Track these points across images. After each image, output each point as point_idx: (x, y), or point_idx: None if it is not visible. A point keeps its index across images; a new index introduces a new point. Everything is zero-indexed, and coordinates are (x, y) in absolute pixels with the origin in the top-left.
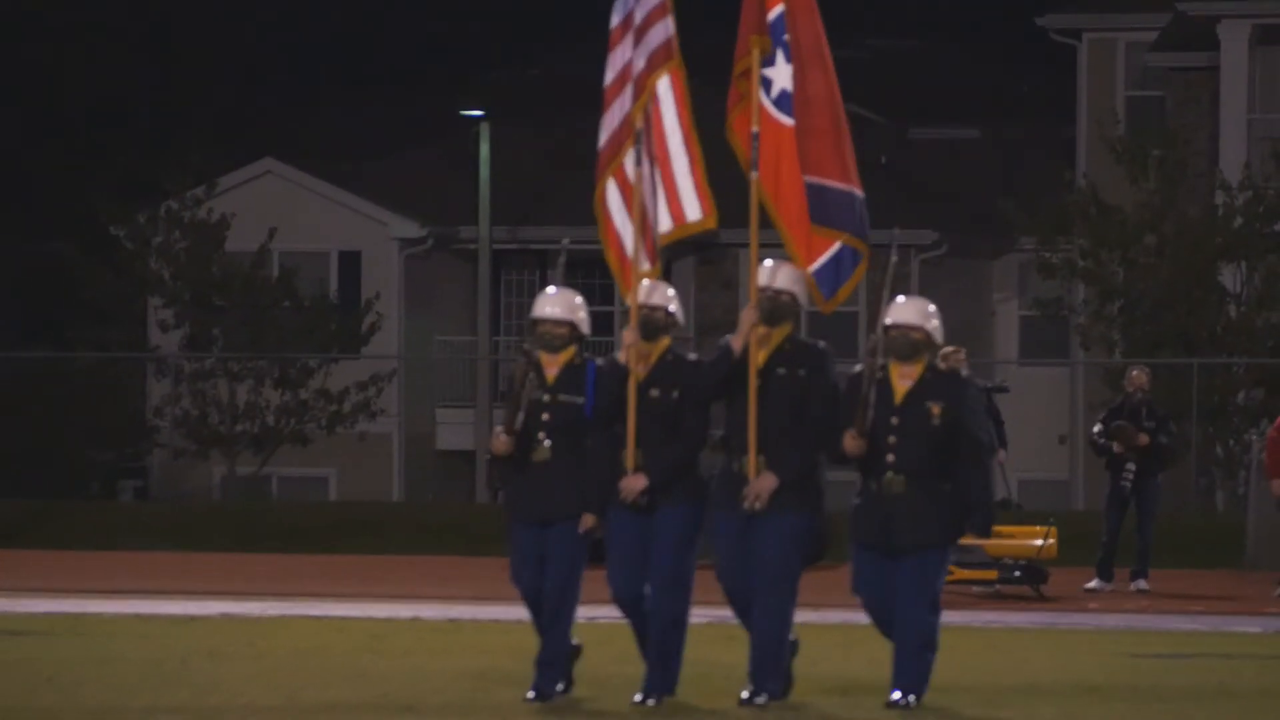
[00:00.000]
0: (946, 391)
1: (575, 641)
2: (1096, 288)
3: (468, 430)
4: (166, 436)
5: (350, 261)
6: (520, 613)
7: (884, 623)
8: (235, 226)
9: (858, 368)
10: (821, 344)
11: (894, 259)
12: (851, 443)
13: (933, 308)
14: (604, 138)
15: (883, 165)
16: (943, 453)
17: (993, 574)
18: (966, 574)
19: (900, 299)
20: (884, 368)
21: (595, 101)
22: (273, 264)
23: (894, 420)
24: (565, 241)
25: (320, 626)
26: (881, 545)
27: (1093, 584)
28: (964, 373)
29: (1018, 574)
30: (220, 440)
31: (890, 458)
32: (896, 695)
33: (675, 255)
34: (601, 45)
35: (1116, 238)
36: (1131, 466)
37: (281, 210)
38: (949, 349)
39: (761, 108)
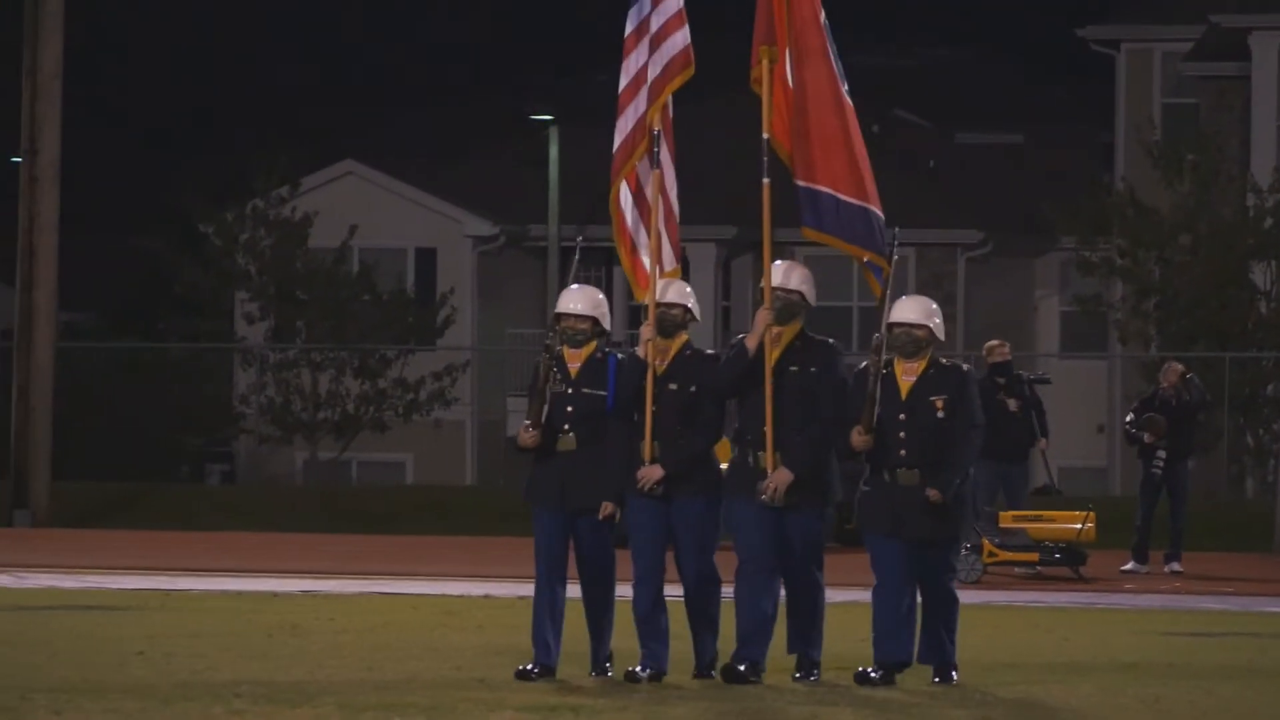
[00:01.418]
0: (949, 385)
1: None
2: (1134, 285)
3: None
4: (252, 423)
5: (426, 258)
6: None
7: (892, 602)
8: (318, 224)
9: (863, 364)
10: (831, 341)
11: (894, 257)
12: (859, 438)
13: (935, 306)
14: (618, 141)
15: (931, 168)
16: (950, 444)
17: (1034, 556)
18: (1009, 555)
19: (904, 298)
20: (888, 364)
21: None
22: (353, 260)
23: (901, 416)
24: (579, 240)
25: (396, 603)
26: (894, 533)
27: (1129, 566)
28: (985, 365)
29: (1058, 556)
30: (303, 427)
31: (902, 452)
32: (942, 676)
33: (733, 253)
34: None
35: (1153, 238)
36: (1162, 455)
37: (361, 209)
38: (994, 342)
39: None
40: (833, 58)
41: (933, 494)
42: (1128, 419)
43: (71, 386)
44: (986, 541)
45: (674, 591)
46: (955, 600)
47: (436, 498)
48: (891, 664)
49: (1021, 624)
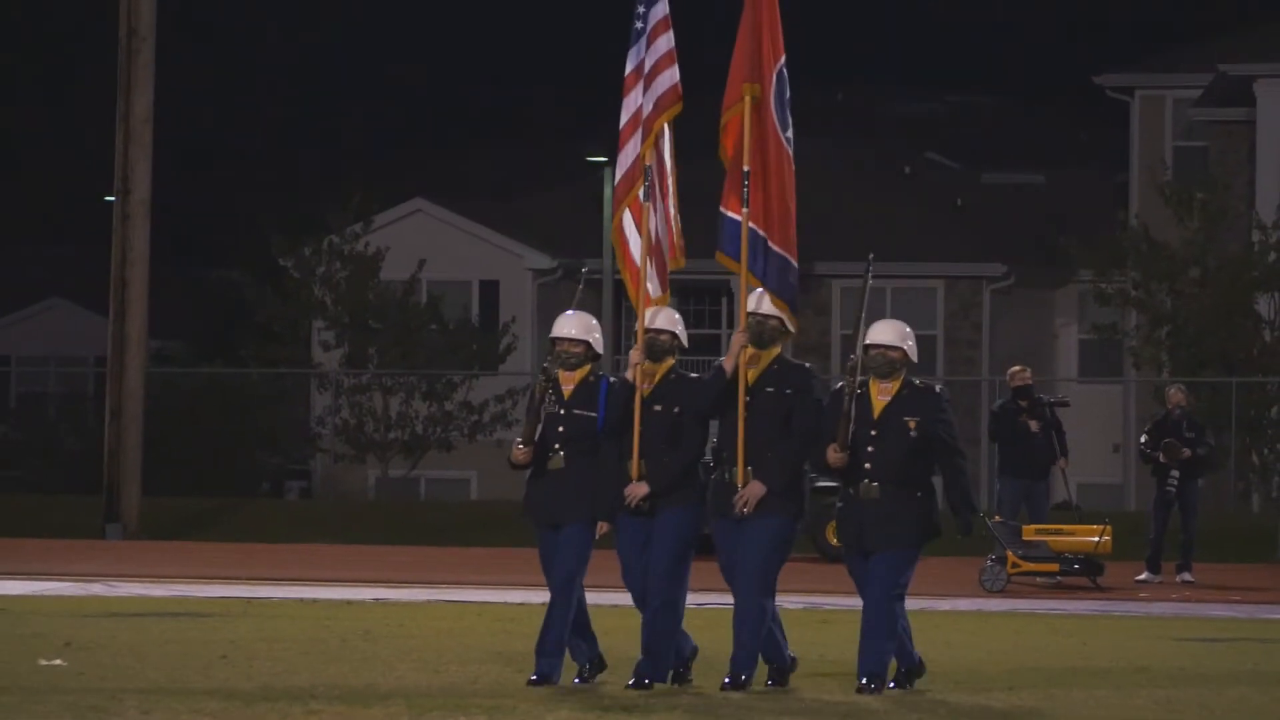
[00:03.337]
0: (922, 406)
1: (693, 643)
2: (1147, 315)
3: None
4: (328, 443)
5: (489, 289)
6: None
7: (873, 615)
8: (389, 258)
9: (839, 384)
10: (807, 365)
11: (869, 283)
12: (834, 455)
13: (908, 329)
14: (619, 174)
15: (959, 207)
16: (918, 463)
17: (1054, 566)
18: (1032, 566)
19: (879, 321)
20: (863, 384)
21: (707, 149)
22: (421, 291)
23: (873, 433)
24: (584, 271)
25: (462, 610)
26: (857, 546)
27: (1143, 576)
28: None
29: (1077, 567)
30: (375, 446)
31: (868, 466)
32: (864, 681)
33: None
34: (711, 104)
35: (1164, 271)
36: (1175, 473)
37: (429, 244)
38: (1016, 368)
39: (782, 145)
40: (775, 109)
41: (961, 535)
42: (1142, 439)
43: (160, 409)
44: (1010, 553)
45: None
46: (895, 616)
47: (498, 512)
48: (909, 669)
49: (1043, 630)
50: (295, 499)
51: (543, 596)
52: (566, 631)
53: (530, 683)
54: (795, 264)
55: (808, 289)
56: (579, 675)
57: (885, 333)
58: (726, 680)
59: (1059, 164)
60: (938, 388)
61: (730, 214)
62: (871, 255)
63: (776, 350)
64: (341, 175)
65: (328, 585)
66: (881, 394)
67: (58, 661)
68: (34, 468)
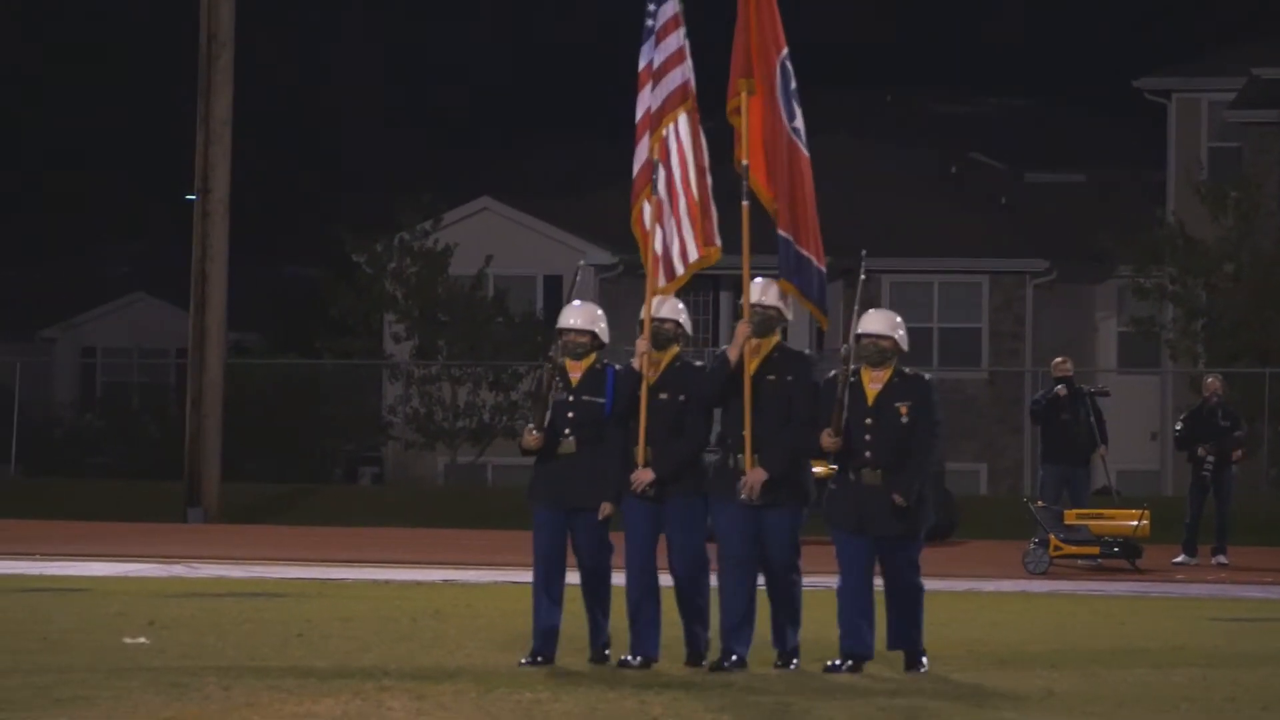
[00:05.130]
0: (912, 392)
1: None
2: (1183, 308)
3: None
4: (399, 431)
5: (553, 284)
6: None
7: (855, 597)
8: (457, 254)
9: (833, 373)
10: (806, 352)
11: (863, 277)
12: (828, 440)
13: (899, 319)
14: (636, 168)
15: (1003, 205)
16: (911, 447)
17: (1095, 550)
18: (1073, 549)
19: (871, 311)
20: (856, 373)
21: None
22: (488, 286)
23: (868, 420)
24: (581, 262)
25: (527, 591)
26: (859, 530)
27: (1180, 559)
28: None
29: (1116, 550)
30: (444, 434)
31: (868, 454)
32: (912, 664)
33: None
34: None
35: (1200, 266)
36: (1211, 460)
37: (496, 240)
38: (1058, 359)
39: (790, 137)
40: (781, 101)
41: (896, 498)
42: (1177, 427)
43: (239, 398)
44: (1053, 537)
45: (666, 582)
46: (919, 591)
47: None
48: (857, 656)
49: (1084, 611)
50: (367, 484)
51: (614, 579)
52: (606, 607)
53: (621, 663)
54: (818, 264)
55: (855, 283)
56: (593, 657)
57: (876, 322)
58: (778, 663)
59: (1099, 164)
60: (926, 376)
61: (782, 234)
62: (864, 251)
63: (776, 339)
64: (411, 173)
65: (399, 567)
66: (874, 382)
67: (141, 639)
68: (119, 455)
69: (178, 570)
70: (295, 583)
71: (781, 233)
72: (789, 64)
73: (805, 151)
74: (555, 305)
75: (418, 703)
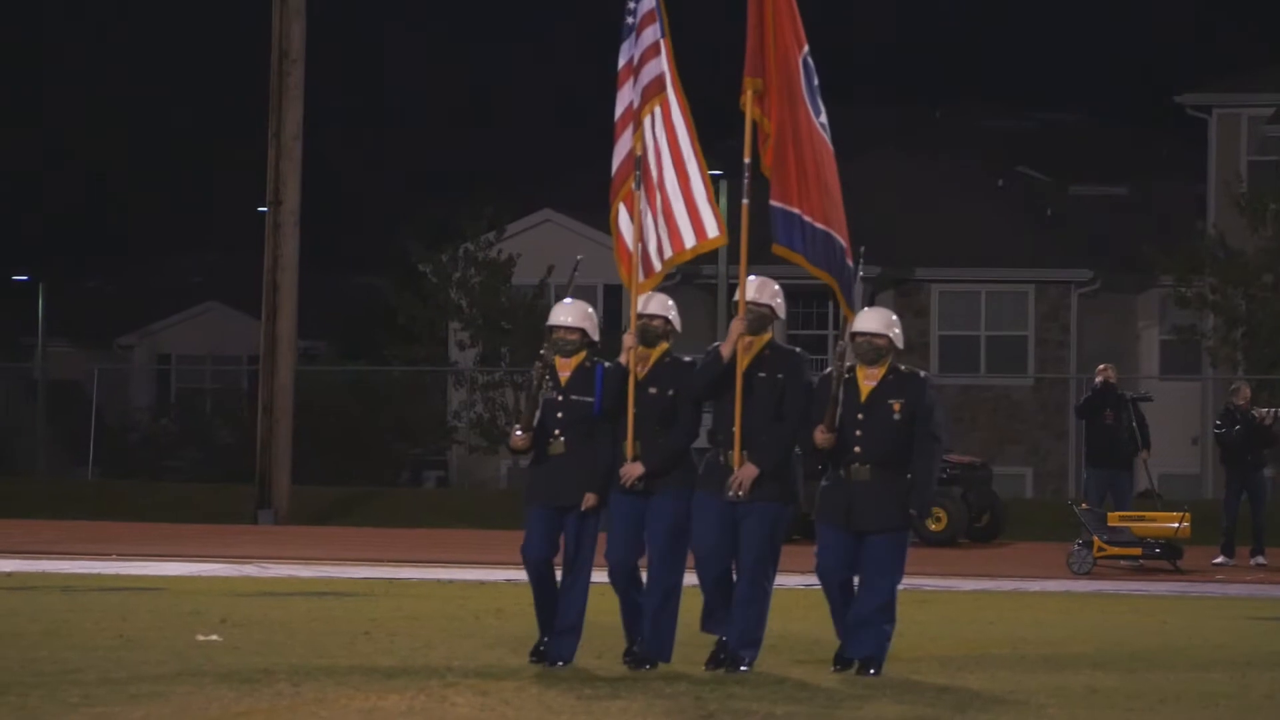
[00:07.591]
0: (906, 390)
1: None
2: (1223, 317)
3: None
4: (463, 435)
5: (614, 293)
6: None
7: (836, 592)
8: (519, 264)
9: (828, 370)
10: (798, 349)
11: (860, 274)
12: (821, 436)
13: (894, 317)
14: (614, 166)
15: (1049, 216)
16: (903, 445)
17: (1137, 551)
18: (1116, 550)
19: (866, 309)
20: (851, 369)
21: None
22: (550, 295)
23: (860, 416)
24: (580, 255)
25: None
26: (844, 525)
27: (1219, 560)
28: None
29: (1158, 551)
30: (506, 438)
31: (857, 449)
32: (875, 667)
33: (879, 288)
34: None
35: (1240, 276)
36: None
37: (557, 251)
38: (1102, 365)
39: (814, 128)
40: (806, 97)
41: (913, 514)
42: (1216, 422)
43: (309, 404)
44: (1096, 538)
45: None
46: (892, 593)
47: None
48: (871, 659)
49: (1126, 610)
50: (432, 487)
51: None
52: (583, 610)
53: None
54: (841, 240)
55: (907, 293)
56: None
57: (871, 321)
58: (714, 661)
59: (1142, 177)
60: (921, 374)
61: (776, 204)
62: (863, 248)
63: (768, 336)
64: (475, 187)
65: (462, 567)
66: (868, 379)
67: (214, 637)
68: (192, 458)
69: (249, 570)
70: (362, 582)
71: (819, 225)
72: (810, 61)
73: (830, 145)
74: (615, 314)
75: (481, 698)
